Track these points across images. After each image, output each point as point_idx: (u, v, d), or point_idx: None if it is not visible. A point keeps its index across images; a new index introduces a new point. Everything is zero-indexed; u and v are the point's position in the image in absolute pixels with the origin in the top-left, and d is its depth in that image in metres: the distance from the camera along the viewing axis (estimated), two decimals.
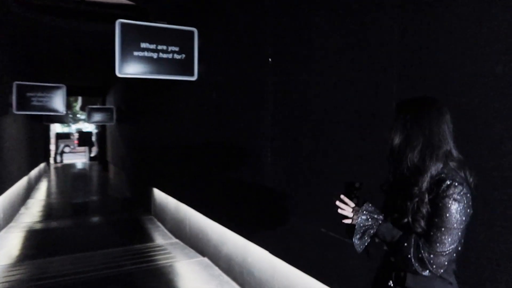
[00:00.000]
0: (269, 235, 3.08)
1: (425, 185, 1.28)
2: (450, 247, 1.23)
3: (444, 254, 1.23)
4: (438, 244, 1.23)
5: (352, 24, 2.19)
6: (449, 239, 1.23)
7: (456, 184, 1.24)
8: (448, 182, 1.24)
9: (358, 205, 1.46)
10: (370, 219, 1.40)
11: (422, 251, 1.24)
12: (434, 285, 1.30)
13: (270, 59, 3.01)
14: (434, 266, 1.24)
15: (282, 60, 2.89)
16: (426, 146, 1.30)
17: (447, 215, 1.22)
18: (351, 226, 1.43)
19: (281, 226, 2.91)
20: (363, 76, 2.11)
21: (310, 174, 2.58)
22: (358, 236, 1.40)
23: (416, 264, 1.25)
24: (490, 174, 1.51)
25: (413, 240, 1.27)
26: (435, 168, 1.28)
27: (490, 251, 1.52)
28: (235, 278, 3.81)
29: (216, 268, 4.22)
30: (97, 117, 11.21)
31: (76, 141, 22.38)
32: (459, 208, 1.22)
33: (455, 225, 1.22)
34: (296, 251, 2.75)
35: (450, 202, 1.23)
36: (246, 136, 3.44)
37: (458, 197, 1.23)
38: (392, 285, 1.37)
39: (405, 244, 1.28)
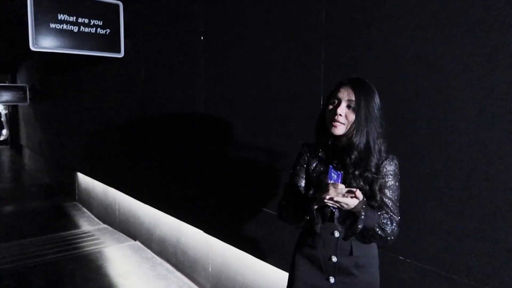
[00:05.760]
0: (204, 215, 3.10)
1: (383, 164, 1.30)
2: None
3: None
4: (399, 216, 1.31)
5: (282, 8, 2.24)
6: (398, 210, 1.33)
7: (395, 157, 1.34)
8: (391, 156, 1.33)
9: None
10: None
11: (395, 226, 1.28)
12: (373, 246, 1.39)
13: (202, 37, 2.96)
14: (394, 236, 1.29)
15: (214, 39, 2.86)
16: (380, 125, 1.30)
17: (398, 188, 1.32)
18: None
19: (215, 205, 2.95)
20: (293, 55, 2.19)
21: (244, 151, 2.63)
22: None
23: (391, 238, 1.27)
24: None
25: (388, 220, 1.27)
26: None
27: None
28: (168, 259, 3.79)
29: (149, 251, 4.14)
30: (7, 96, 10.05)
31: None
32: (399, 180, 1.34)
33: (397, 196, 1.33)
34: (230, 229, 2.81)
35: (397, 177, 1.33)
36: (179, 116, 3.38)
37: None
38: (336, 260, 1.34)
39: (389, 225, 1.26)
